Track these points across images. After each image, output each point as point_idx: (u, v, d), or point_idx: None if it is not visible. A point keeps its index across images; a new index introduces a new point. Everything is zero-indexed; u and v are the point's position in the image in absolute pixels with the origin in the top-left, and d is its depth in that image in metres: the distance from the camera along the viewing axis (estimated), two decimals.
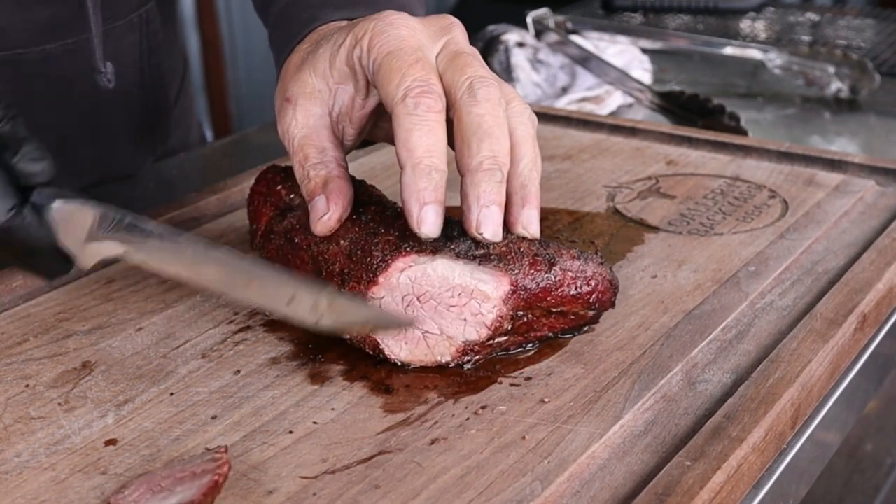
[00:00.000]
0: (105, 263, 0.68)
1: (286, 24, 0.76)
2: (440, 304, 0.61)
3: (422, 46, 0.63)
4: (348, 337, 0.63)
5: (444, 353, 0.62)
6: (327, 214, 0.64)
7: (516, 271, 0.61)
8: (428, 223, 0.60)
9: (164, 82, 1.03)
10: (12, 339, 0.67)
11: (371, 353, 0.62)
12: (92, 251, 0.63)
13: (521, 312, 0.62)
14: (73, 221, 0.62)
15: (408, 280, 0.61)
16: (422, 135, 0.60)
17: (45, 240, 0.62)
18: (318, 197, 0.65)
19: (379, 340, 0.62)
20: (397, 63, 0.61)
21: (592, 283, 0.63)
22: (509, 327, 0.62)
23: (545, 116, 1.04)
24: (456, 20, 0.67)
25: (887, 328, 0.72)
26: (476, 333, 0.61)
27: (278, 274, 0.61)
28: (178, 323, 0.68)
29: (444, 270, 0.61)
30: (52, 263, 0.63)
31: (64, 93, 0.93)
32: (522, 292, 0.61)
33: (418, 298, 0.61)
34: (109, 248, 0.62)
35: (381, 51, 0.62)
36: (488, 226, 0.61)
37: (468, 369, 0.62)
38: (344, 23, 0.72)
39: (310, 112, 0.67)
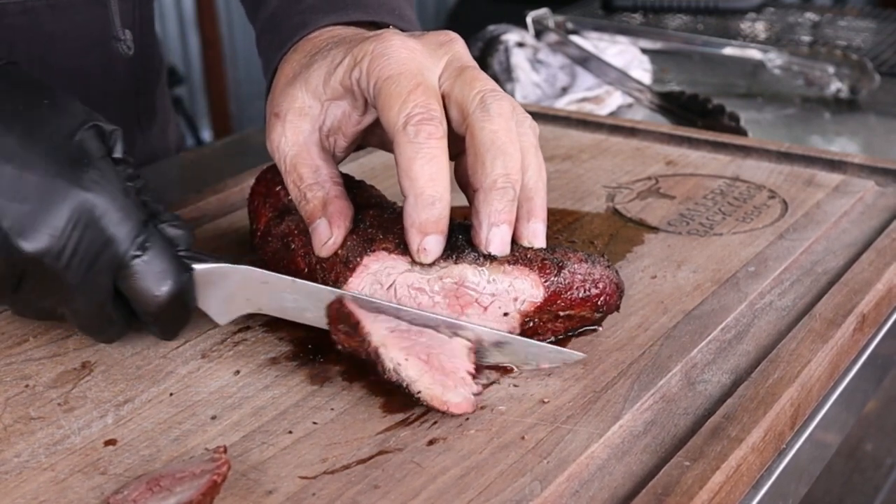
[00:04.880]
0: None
1: (275, 29, 0.75)
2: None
3: (422, 69, 0.62)
4: (340, 346, 0.63)
5: None
6: (331, 239, 0.64)
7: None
8: (429, 253, 0.61)
9: (152, 52, 1.03)
10: (12, 339, 0.67)
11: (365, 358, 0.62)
12: (233, 309, 0.64)
13: (529, 318, 0.62)
14: (213, 283, 0.63)
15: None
16: (424, 164, 0.59)
17: (192, 302, 0.63)
18: (320, 220, 0.64)
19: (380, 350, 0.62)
20: (397, 89, 0.61)
21: (600, 285, 0.63)
22: (516, 333, 0.62)
23: (545, 116, 1.04)
24: (455, 35, 0.66)
25: (886, 328, 0.72)
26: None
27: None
28: None
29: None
30: (183, 324, 0.65)
31: (78, 48, 0.92)
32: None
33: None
34: (249, 305, 0.64)
35: (381, 75, 0.62)
36: (497, 244, 0.61)
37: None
38: (337, 29, 0.72)
39: (299, 129, 0.66)
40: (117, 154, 0.62)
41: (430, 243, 0.61)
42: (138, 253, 0.60)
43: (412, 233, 0.60)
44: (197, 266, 0.63)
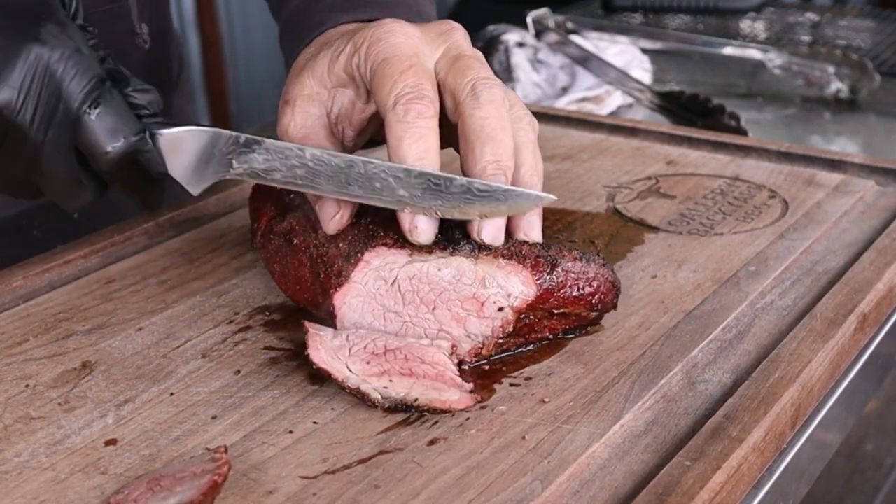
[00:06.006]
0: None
1: (296, 27, 0.77)
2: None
3: (418, 53, 0.63)
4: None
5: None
6: (339, 214, 0.64)
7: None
8: (420, 230, 0.60)
9: (168, 41, 1.03)
10: (12, 339, 0.67)
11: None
12: (205, 175, 0.64)
13: (523, 314, 0.62)
14: (183, 148, 0.63)
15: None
16: (412, 142, 0.60)
17: (158, 167, 0.63)
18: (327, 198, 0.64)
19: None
20: (390, 70, 0.61)
21: (594, 284, 0.63)
22: (510, 329, 0.62)
23: (545, 116, 1.04)
24: (457, 24, 0.67)
25: (887, 328, 0.72)
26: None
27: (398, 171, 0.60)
28: (178, 323, 0.68)
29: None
30: (158, 193, 0.66)
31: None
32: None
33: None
34: (222, 170, 0.64)
35: (377, 58, 0.63)
36: (490, 231, 0.61)
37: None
38: (352, 26, 0.72)
39: (307, 113, 0.67)
40: (79, 21, 0.63)
41: (421, 220, 0.60)
42: (90, 108, 0.60)
43: (402, 211, 0.60)
44: (163, 130, 0.63)
